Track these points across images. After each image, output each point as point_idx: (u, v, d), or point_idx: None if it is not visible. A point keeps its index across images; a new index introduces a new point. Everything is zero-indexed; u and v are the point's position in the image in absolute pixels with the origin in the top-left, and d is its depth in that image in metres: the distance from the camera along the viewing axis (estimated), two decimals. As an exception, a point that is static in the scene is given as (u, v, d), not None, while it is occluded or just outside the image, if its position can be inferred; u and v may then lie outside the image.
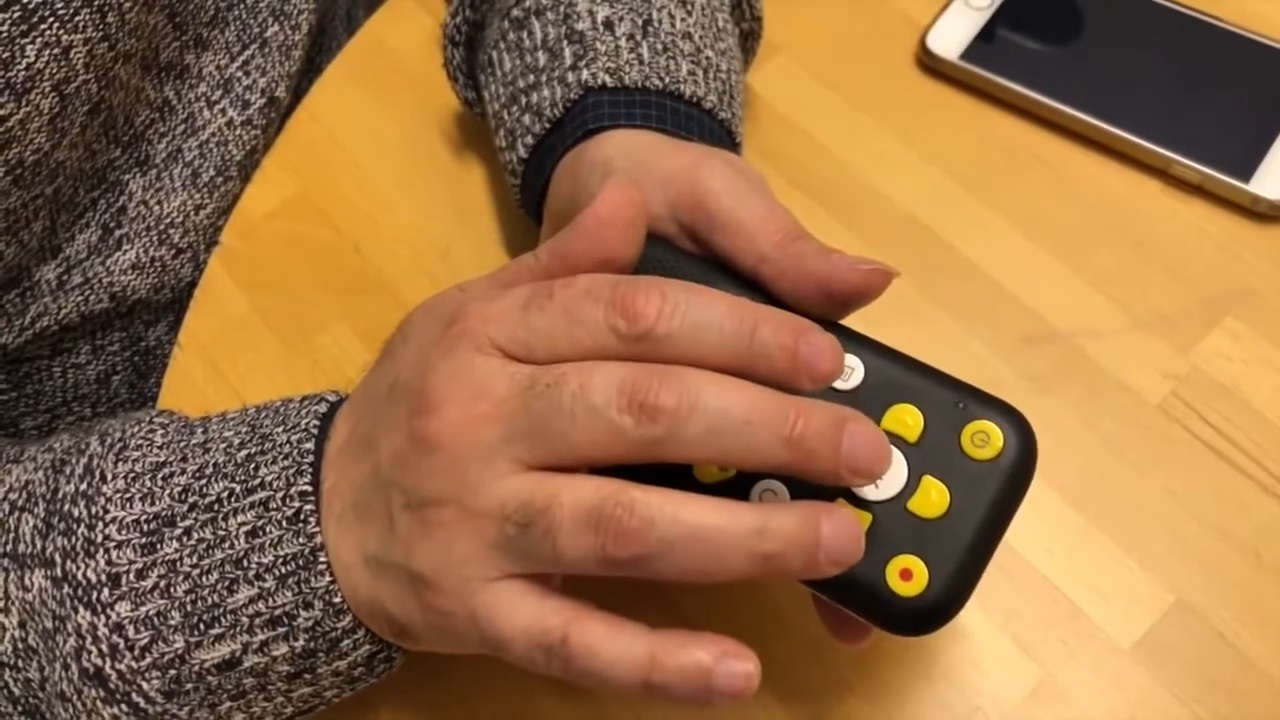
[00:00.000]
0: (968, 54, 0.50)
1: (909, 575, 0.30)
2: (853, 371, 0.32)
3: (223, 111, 0.51)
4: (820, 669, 0.39)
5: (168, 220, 0.50)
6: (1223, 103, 0.48)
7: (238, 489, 0.34)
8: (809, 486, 0.31)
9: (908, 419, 0.31)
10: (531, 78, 0.42)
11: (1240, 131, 0.47)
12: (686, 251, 0.35)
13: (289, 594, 0.33)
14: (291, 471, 0.33)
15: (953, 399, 0.32)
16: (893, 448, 0.30)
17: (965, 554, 0.30)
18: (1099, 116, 0.48)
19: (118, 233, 0.49)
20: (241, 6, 0.51)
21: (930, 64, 0.50)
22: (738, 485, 0.31)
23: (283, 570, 0.33)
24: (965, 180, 0.48)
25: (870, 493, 0.31)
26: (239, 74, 0.52)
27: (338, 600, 0.33)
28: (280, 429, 0.35)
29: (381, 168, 0.51)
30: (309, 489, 0.33)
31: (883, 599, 0.30)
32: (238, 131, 0.51)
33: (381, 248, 0.49)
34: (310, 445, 0.34)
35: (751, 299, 0.31)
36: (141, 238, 0.49)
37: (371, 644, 0.34)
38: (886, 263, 0.33)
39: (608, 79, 0.40)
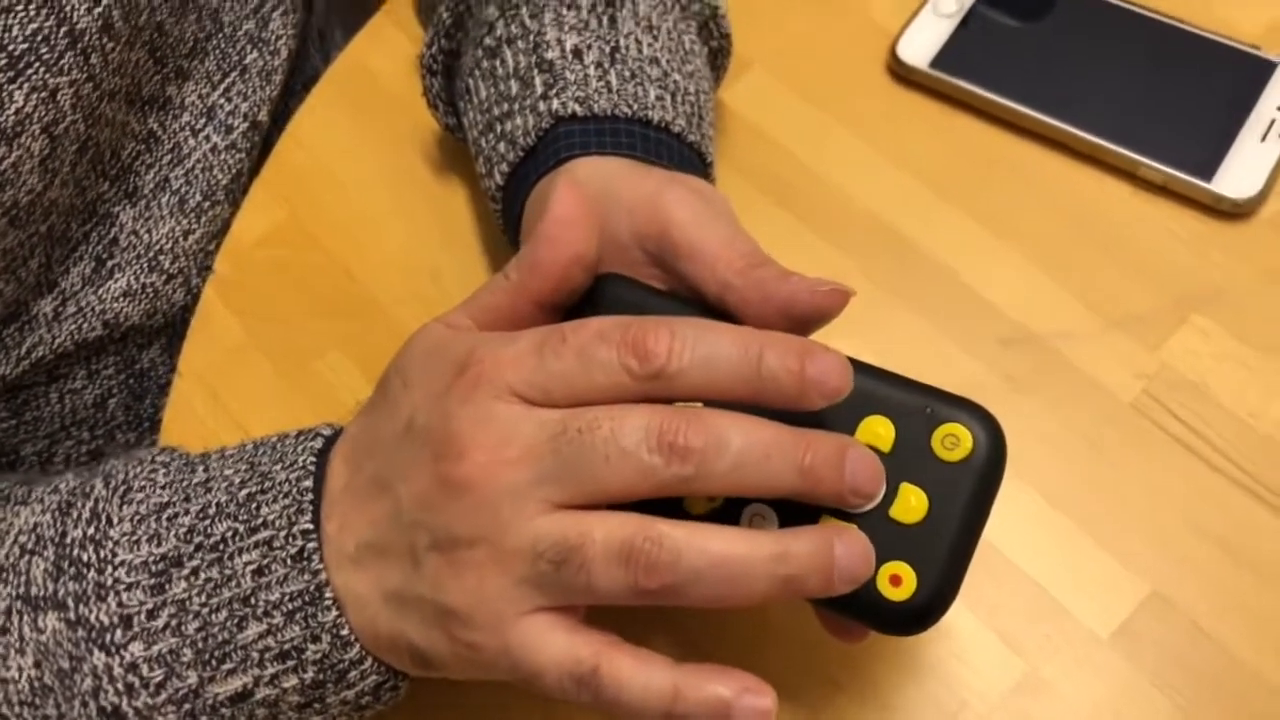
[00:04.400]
0: (937, 62, 0.51)
1: (898, 581, 0.32)
2: None
3: (206, 138, 0.52)
4: (812, 670, 0.40)
5: (157, 247, 0.51)
6: (1186, 104, 0.49)
7: (241, 528, 0.35)
8: (794, 508, 0.32)
9: (880, 430, 0.33)
10: (505, 106, 0.44)
11: (1203, 132, 0.48)
12: (655, 288, 0.37)
13: (297, 629, 0.34)
14: (293, 510, 0.35)
15: (920, 404, 0.33)
16: None
17: (948, 555, 0.32)
18: (1067, 120, 0.49)
19: (109, 263, 0.50)
20: (220, 36, 0.52)
21: (901, 72, 0.52)
22: (727, 512, 0.33)
23: (290, 606, 0.34)
24: (938, 186, 0.49)
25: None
26: (221, 101, 0.53)
27: (345, 633, 0.34)
28: (279, 467, 0.36)
29: (369, 191, 0.52)
30: (310, 527, 0.34)
31: (876, 605, 0.32)
32: (222, 157, 0.52)
33: (372, 272, 0.50)
34: (309, 483, 0.35)
35: (696, 306, 0.33)
36: (132, 266, 0.50)
37: (378, 674, 0.35)
38: (842, 283, 0.35)
39: (577, 108, 0.41)
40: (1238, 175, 0.47)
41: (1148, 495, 0.43)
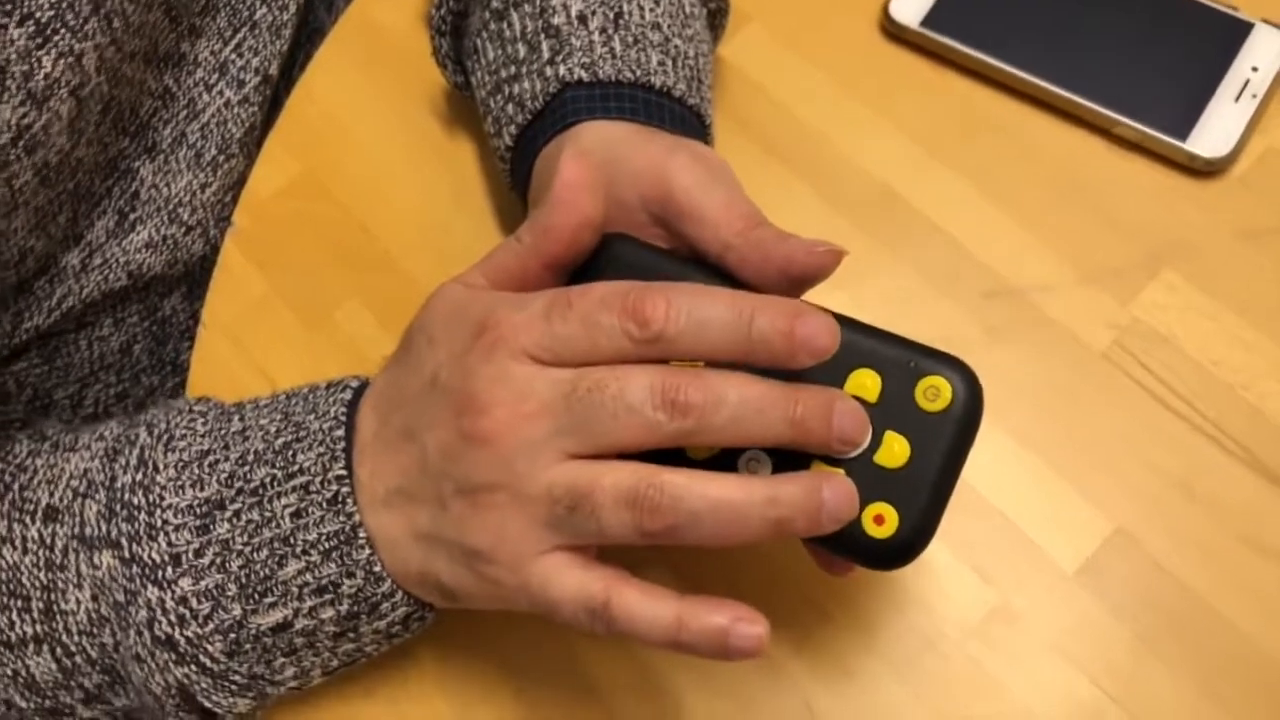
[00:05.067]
0: (928, 20, 0.53)
1: (881, 520, 0.35)
2: None
3: (220, 93, 0.54)
4: (804, 601, 0.44)
5: (176, 200, 0.53)
6: (1164, 64, 0.51)
7: (279, 474, 0.38)
8: (786, 453, 0.35)
9: (867, 381, 0.36)
10: (513, 68, 0.45)
11: (1179, 92, 0.50)
12: (657, 248, 0.39)
13: (333, 566, 0.37)
14: (327, 457, 0.38)
15: (905, 358, 0.36)
16: None
17: (928, 497, 0.35)
18: (1048, 79, 0.51)
19: (131, 216, 0.52)
20: None
21: (893, 30, 0.54)
22: (726, 458, 0.36)
23: (327, 545, 0.37)
24: (927, 143, 0.52)
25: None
26: (233, 56, 0.54)
27: (378, 569, 0.37)
28: (312, 417, 0.39)
29: (381, 146, 0.54)
30: (344, 472, 0.37)
31: (861, 542, 0.35)
32: (236, 111, 0.54)
33: (387, 225, 0.52)
34: (341, 432, 0.38)
35: (720, 284, 0.36)
36: (153, 219, 0.53)
37: (408, 606, 0.38)
38: (835, 243, 0.37)
39: (583, 74, 0.43)
40: (1211, 134, 0.49)
41: (1115, 439, 0.46)
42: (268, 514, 0.38)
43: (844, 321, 0.36)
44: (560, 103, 0.43)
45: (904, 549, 0.35)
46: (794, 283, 0.37)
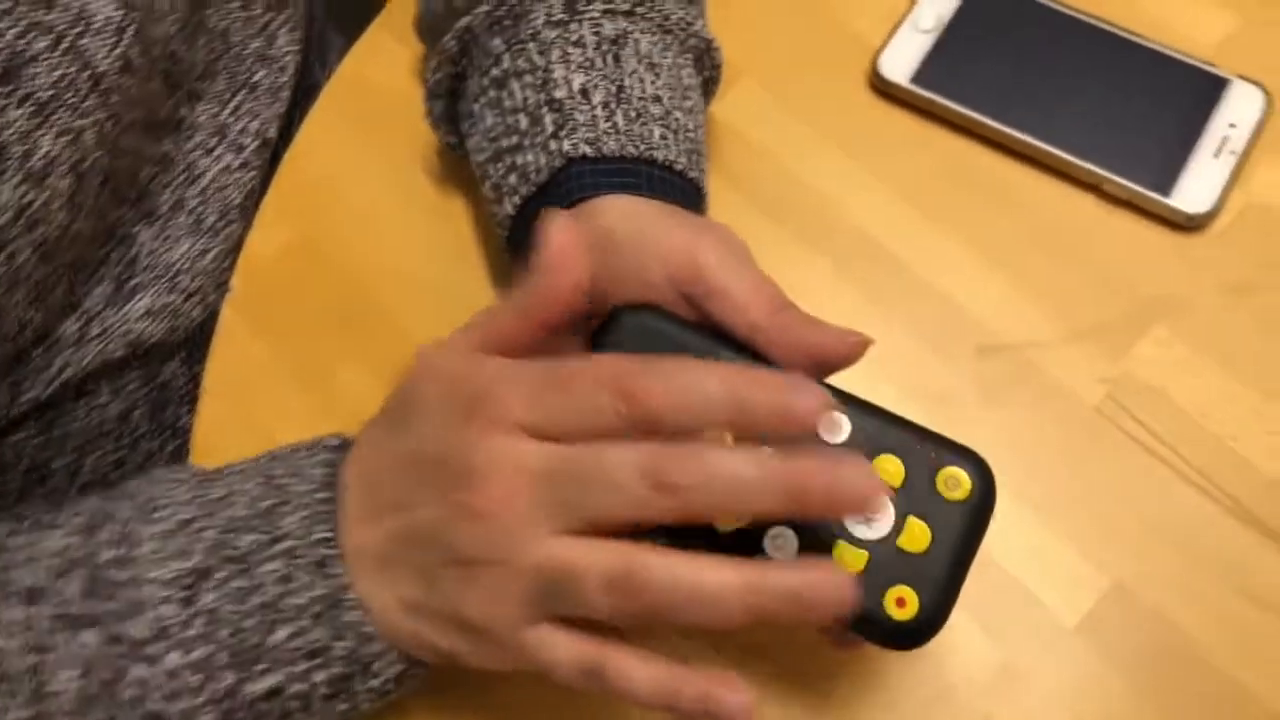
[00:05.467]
0: (917, 78, 0.54)
1: (903, 603, 0.36)
2: (840, 427, 0.38)
3: (219, 158, 0.54)
4: (813, 658, 0.44)
5: (176, 267, 0.53)
6: (1147, 120, 0.52)
7: (264, 539, 0.38)
8: (813, 532, 0.36)
9: (890, 468, 0.37)
10: (515, 139, 0.46)
11: (1162, 148, 0.52)
12: (682, 319, 0.40)
13: (323, 630, 0.38)
14: (311, 521, 0.38)
15: (927, 448, 0.37)
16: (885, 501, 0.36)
17: (947, 581, 0.36)
18: (1037, 136, 0.52)
19: (130, 283, 0.52)
20: (228, 56, 0.54)
21: (882, 87, 0.55)
22: (752, 533, 0.37)
23: (316, 610, 0.38)
24: (917, 200, 0.53)
25: (866, 533, 0.37)
26: (231, 120, 0.54)
27: (368, 629, 0.38)
28: (294, 480, 0.39)
29: (377, 205, 0.55)
30: (329, 535, 0.38)
31: (882, 624, 0.36)
32: (235, 175, 0.54)
33: (386, 285, 0.53)
34: (324, 495, 0.39)
35: (742, 358, 0.37)
36: (152, 286, 0.52)
37: (401, 664, 0.39)
38: (863, 333, 0.38)
39: (588, 149, 0.44)
40: (1193, 190, 0.51)
41: (1109, 494, 0.47)
42: (255, 580, 0.38)
43: (868, 408, 0.38)
44: (565, 176, 0.44)
45: (923, 631, 0.36)
46: (821, 368, 0.38)
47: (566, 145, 0.44)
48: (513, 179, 0.46)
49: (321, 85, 0.58)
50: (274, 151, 0.57)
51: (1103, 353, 0.49)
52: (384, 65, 0.58)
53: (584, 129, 0.44)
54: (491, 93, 0.48)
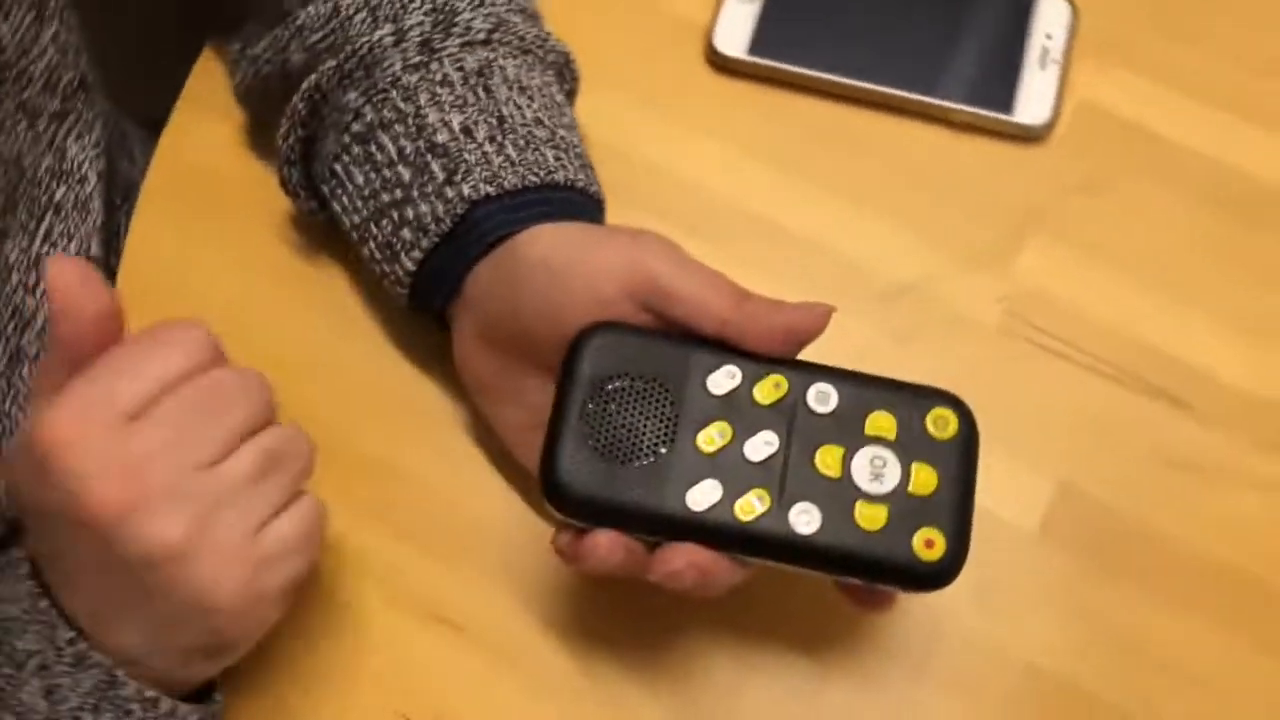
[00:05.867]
0: (754, 48, 0.55)
1: (931, 544, 0.38)
2: (829, 396, 0.39)
3: (45, 295, 0.49)
4: (799, 601, 0.46)
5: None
6: (974, 46, 0.55)
7: (9, 669, 0.38)
8: (833, 499, 0.38)
9: (883, 423, 0.39)
10: (398, 192, 0.44)
11: (993, 69, 0.54)
12: (645, 328, 0.40)
13: (108, 715, 0.37)
14: (47, 630, 0.37)
15: (908, 398, 0.39)
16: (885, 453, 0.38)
17: (963, 513, 0.39)
18: (878, 82, 0.54)
19: None
20: (24, 182, 0.49)
21: (721, 63, 0.55)
22: (779, 512, 0.38)
23: (94, 700, 0.37)
24: (782, 165, 0.54)
25: (879, 488, 0.38)
26: (45, 249, 0.49)
27: (149, 693, 0.38)
28: (8, 605, 0.38)
29: (237, 291, 0.51)
30: (73, 633, 0.37)
31: (916, 569, 0.38)
32: None
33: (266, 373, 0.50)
34: (45, 603, 0.38)
35: (716, 353, 0.39)
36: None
37: (194, 707, 0.39)
38: (823, 302, 0.39)
39: (489, 189, 0.43)
40: (1030, 103, 0.54)
41: (1031, 402, 0.50)
42: (22, 708, 0.37)
43: (848, 375, 0.39)
44: (471, 222, 0.43)
45: (954, 566, 0.38)
46: (797, 345, 0.39)
47: (466, 189, 0.43)
48: (406, 234, 0.44)
49: (138, 182, 0.54)
50: (107, 266, 0.52)
51: (991, 273, 0.52)
52: (202, 145, 0.54)
53: (479, 169, 0.43)
54: (356, 149, 0.45)
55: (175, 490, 0.35)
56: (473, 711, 0.45)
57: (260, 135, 0.53)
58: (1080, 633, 0.46)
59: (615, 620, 0.46)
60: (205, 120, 0.54)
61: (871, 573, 0.38)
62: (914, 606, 0.46)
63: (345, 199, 0.46)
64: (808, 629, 0.46)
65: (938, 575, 0.38)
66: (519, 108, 0.45)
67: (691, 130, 0.55)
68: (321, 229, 0.52)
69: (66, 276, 0.36)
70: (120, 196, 0.55)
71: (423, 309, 0.46)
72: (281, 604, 0.39)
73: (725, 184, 0.54)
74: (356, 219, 0.46)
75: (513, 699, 0.45)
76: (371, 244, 0.46)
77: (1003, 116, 0.54)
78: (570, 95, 0.49)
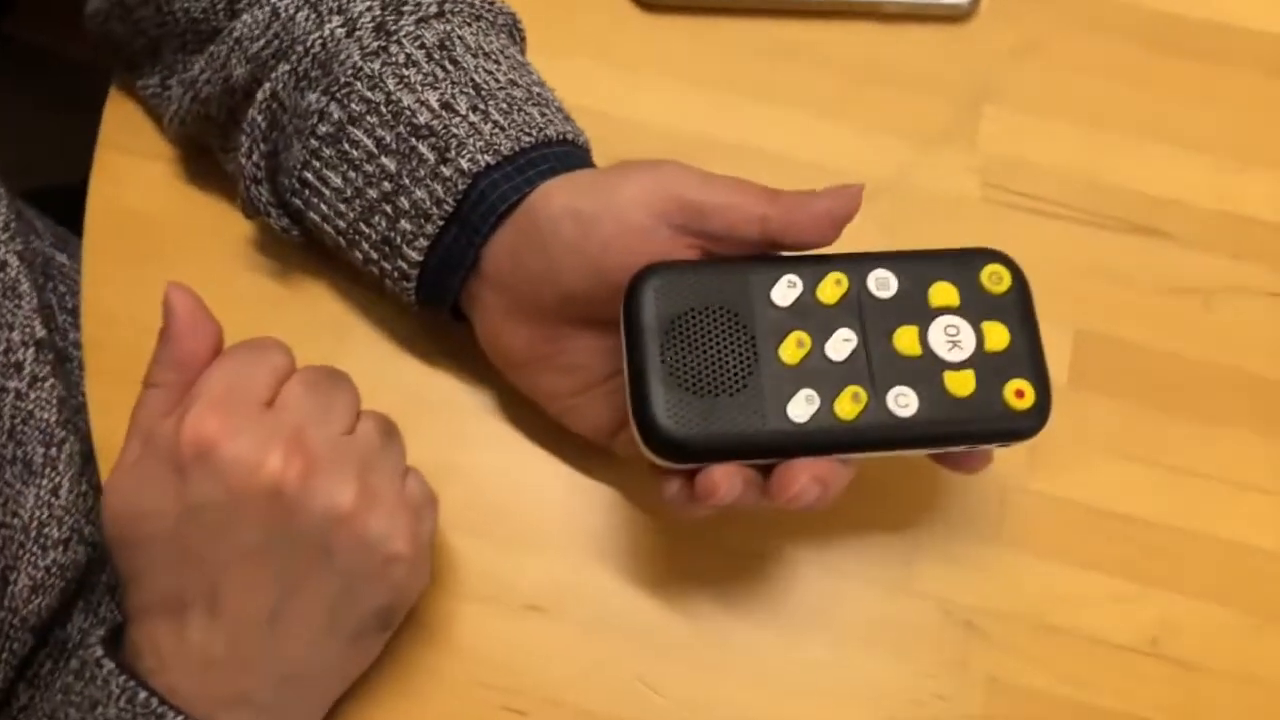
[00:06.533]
0: (676, -20, 0.54)
1: (1021, 394, 0.39)
2: (889, 280, 0.40)
3: (3, 389, 0.45)
4: (881, 491, 0.46)
5: (36, 522, 0.44)
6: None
7: None
8: (922, 375, 0.38)
9: (945, 292, 0.40)
10: (387, 185, 0.42)
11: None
12: (695, 261, 0.40)
13: None
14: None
15: (960, 263, 0.40)
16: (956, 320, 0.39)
17: (1039, 356, 0.40)
18: (804, -11, 0.54)
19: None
20: None
21: (648, 1, 0.55)
22: (878, 401, 0.38)
23: None
24: (731, 89, 0.54)
25: (960, 354, 0.39)
26: None
27: None
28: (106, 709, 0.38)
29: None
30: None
31: (1015, 420, 0.39)
32: (33, 395, 0.45)
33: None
34: (144, 694, 0.38)
35: (763, 264, 0.39)
36: (23, 558, 0.44)
37: None
38: (849, 183, 0.40)
39: (488, 159, 0.41)
40: (953, -19, 0.55)
41: (1028, 263, 0.51)
42: None
43: (895, 256, 0.40)
44: (476, 196, 0.41)
45: (1047, 407, 0.39)
46: (835, 230, 0.40)
47: (464, 164, 0.41)
48: (405, 225, 0.42)
49: (53, 255, 0.50)
50: (52, 345, 0.48)
51: (959, 150, 0.53)
52: (136, 189, 0.51)
53: (472, 141, 0.41)
54: (327, 152, 0.43)
55: (335, 454, 0.38)
56: (584, 689, 0.44)
57: (197, 164, 0.50)
58: (1134, 471, 0.48)
59: (698, 562, 0.46)
60: (132, 163, 0.51)
61: (974, 437, 0.39)
62: (978, 481, 0.47)
63: (324, 206, 0.44)
64: (887, 519, 0.46)
65: (1035, 419, 0.39)
66: (489, 73, 0.43)
67: (633, 73, 0.54)
68: (287, 247, 0.49)
69: (183, 301, 0.40)
70: (40, 274, 0.51)
71: (432, 302, 0.44)
72: (431, 557, 0.41)
73: (680, 119, 0.53)
74: (342, 223, 0.44)
75: (622, 666, 0.44)
76: (364, 245, 0.44)
77: (930, 0, 0.55)
78: (522, 54, 0.48)
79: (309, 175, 0.44)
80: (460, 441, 0.47)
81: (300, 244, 0.47)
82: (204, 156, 0.50)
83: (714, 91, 0.54)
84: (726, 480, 0.38)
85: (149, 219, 0.50)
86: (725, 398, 0.38)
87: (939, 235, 0.51)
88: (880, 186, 0.52)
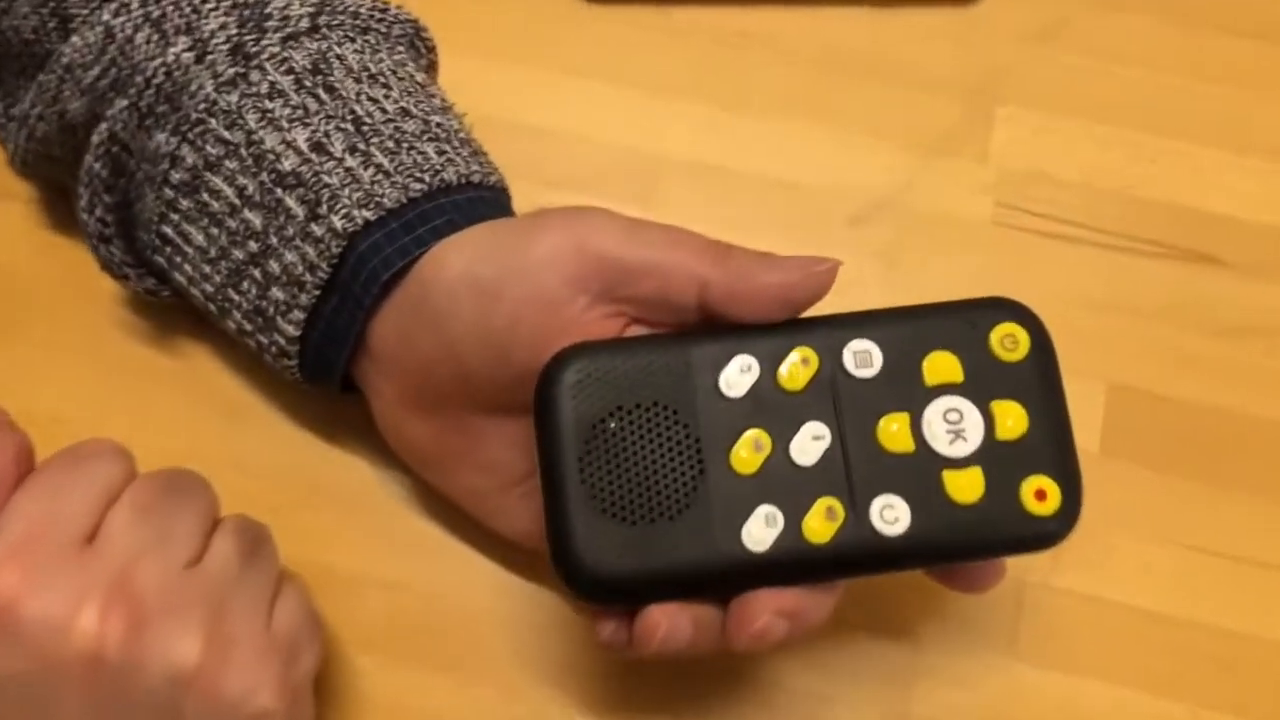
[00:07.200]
0: (625, -35, 0.46)
1: (1043, 494, 0.31)
2: (871, 353, 0.31)
3: None
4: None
5: None
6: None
7: None
8: (916, 482, 0.30)
9: (944, 365, 0.32)
10: (254, 244, 0.34)
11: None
12: (617, 341, 0.32)
13: None
14: None
15: (962, 323, 0.32)
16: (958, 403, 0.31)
17: (1066, 444, 0.31)
18: (780, -30, 0.46)
19: None
20: None
21: (593, -9, 0.46)
22: (859, 513, 0.30)
23: None
24: (695, 93, 0.45)
25: (963, 449, 0.31)
26: None
27: None
28: None
29: (81, 398, 0.41)
30: None
31: (1034, 528, 0.31)
32: None
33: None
34: None
35: (700, 340, 0.31)
36: None
37: None
38: (827, 257, 0.32)
39: (367, 214, 0.33)
40: (956, -45, 0.46)
41: (1051, 296, 0.42)
42: None
43: (881, 318, 0.32)
44: (354, 260, 0.33)
45: (1074, 510, 0.31)
46: (794, 309, 0.31)
47: (337, 222, 0.33)
48: (277, 293, 0.34)
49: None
50: None
51: (968, 160, 0.44)
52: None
53: (347, 192, 0.33)
54: (184, 204, 0.35)
55: (173, 596, 0.30)
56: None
57: (63, 205, 0.43)
58: (1184, 561, 0.39)
59: (662, 689, 0.38)
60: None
61: (983, 551, 0.31)
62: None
63: (189, 268, 0.36)
64: (882, 626, 0.38)
65: (1061, 525, 0.31)
66: (375, 102, 0.35)
67: (581, 77, 0.45)
68: (171, 306, 0.41)
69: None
70: None
71: (322, 381, 0.36)
72: (312, 701, 0.33)
73: (634, 131, 0.45)
74: (209, 288, 0.36)
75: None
76: (236, 314, 0.36)
77: (930, -21, 0.46)
78: (431, 70, 0.40)
79: (168, 230, 0.36)
80: (379, 543, 0.39)
81: (178, 305, 0.40)
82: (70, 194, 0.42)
83: (673, 98, 0.45)
84: (668, 621, 0.30)
85: (5, 274, 0.43)
86: (664, 522, 0.30)
87: (943, 266, 0.43)
88: (872, 208, 0.44)
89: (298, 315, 0.34)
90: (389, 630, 0.38)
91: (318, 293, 0.34)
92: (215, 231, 0.35)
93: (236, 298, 0.36)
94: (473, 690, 0.38)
